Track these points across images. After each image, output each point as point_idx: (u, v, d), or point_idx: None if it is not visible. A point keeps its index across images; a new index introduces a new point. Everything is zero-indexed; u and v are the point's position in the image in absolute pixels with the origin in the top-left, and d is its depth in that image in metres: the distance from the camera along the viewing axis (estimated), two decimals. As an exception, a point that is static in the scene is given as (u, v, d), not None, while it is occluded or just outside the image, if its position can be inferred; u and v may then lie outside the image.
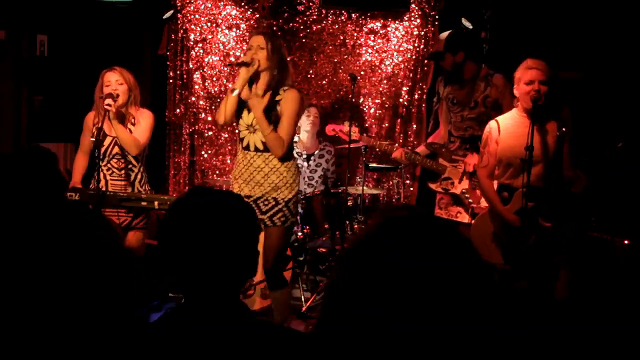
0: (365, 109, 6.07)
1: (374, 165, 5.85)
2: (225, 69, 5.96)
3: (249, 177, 3.84)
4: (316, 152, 5.70)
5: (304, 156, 5.68)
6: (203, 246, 1.61)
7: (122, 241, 3.55)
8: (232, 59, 5.82)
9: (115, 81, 4.02)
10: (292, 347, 1.54)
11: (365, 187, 5.39)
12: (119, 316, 1.31)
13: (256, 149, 3.82)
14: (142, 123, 4.12)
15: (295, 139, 5.70)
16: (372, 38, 6.00)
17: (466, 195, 4.31)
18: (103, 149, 4.06)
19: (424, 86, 5.95)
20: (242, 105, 3.83)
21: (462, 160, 4.37)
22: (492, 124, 3.84)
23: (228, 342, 1.53)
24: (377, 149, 5.22)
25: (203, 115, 6.04)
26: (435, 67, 5.08)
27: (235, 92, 3.75)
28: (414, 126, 6.00)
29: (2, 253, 1.34)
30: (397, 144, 4.86)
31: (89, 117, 4.13)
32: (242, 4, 5.91)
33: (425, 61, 5.90)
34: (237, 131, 3.95)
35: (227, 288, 1.64)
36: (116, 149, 4.08)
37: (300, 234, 5.02)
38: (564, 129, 3.68)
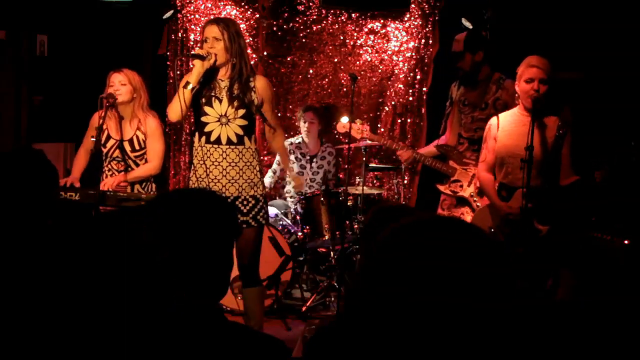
0: (365, 109, 6.06)
1: (374, 165, 5.84)
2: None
3: (220, 174, 3.63)
4: (318, 153, 5.70)
5: (307, 157, 5.69)
6: (173, 248, 1.54)
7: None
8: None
9: (118, 82, 4.02)
10: (265, 354, 1.50)
11: (365, 187, 5.38)
12: (112, 315, 1.30)
13: (229, 142, 3.61)
14: (151, 134, 4.06)
15: (299, 140, 5.70)
16: (372, 38, 6.00)
17: (474, 199, 4.29)
18: (105, 150, 4.07)
19: (424, 88, 5.94)
20: (210, 95, 3.65)
21: (473, 164, 4.35)
22: (492, 120, 3.88)
23: (196, 346, 1.48)
24: (384, 147, 5.16)
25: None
26: (445, 70, 5.03)
27: (190, 86, 3.57)
28: (414, 127, 5.99)
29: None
30: (407, 147, 4.78)
31: (95, 117, 4.13)
32: (242, 4, 5.91)
33: (427, 60, 5.89)
34: (190, 125, 3.73)
35: (197, 291, 1.56)
36: (117, 152, 4.09)
37: (300, 234, 5.01)
38: (561, 131, 3.68)
